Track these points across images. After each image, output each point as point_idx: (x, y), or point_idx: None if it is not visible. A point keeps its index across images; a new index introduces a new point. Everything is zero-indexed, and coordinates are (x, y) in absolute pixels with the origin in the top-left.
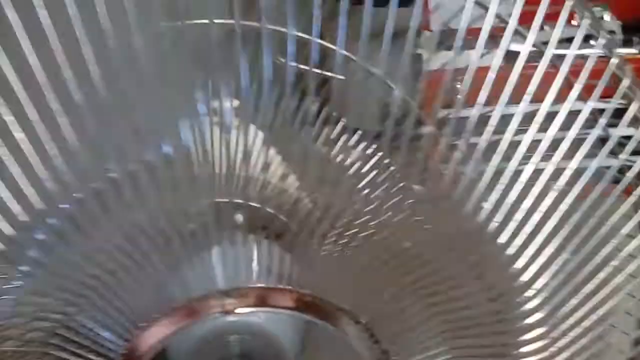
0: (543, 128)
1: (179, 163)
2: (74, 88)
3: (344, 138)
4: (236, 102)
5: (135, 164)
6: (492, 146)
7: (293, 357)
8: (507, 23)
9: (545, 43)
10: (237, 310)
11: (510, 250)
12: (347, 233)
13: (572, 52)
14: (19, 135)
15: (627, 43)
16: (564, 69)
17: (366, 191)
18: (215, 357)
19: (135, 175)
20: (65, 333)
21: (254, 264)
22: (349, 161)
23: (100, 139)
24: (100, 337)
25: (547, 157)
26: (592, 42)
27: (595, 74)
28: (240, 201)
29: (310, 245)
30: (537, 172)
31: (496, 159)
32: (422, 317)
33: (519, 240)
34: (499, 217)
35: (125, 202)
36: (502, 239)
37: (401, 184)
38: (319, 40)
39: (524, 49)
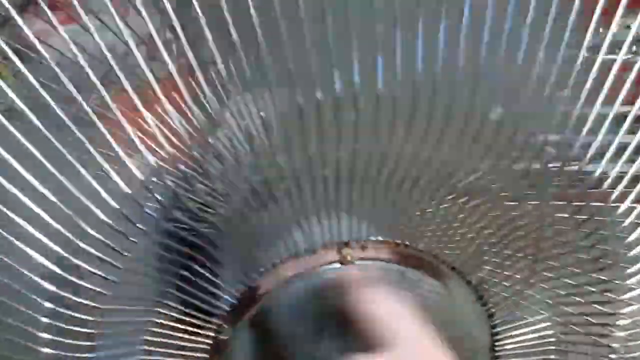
0: None
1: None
2: None
3: None
4: None
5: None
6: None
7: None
8: None
9: None
10: (357, 262)
11: (627, 221)
12: (463, 194)
13: None
14: None
15: None
16: None
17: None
18: (313, 311)
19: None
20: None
21: (372, 219)
22: None
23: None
24: (222, 277)
25: None
26: None
27: None
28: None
29: (424, 203)
30: None
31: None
32: (530, 283)
33: (637, 212)
34: (620, 187)
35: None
36: (621, 209)
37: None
38: None
39: None
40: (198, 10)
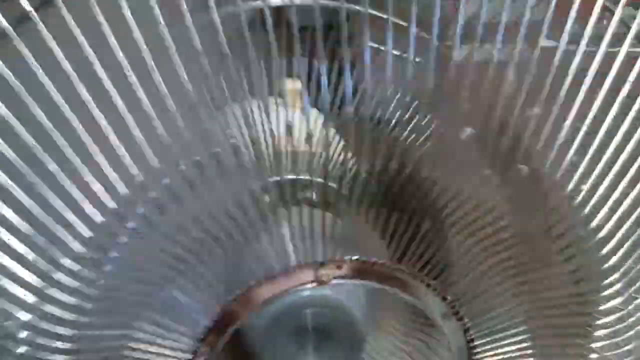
0: None
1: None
2: None
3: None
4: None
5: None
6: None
7: (364, 330)
8: None
9: None
10: (333, 281)
11: (601, 235)
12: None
13: None
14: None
15: None
16: None
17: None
18: (289, 330)
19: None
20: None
21: (341, 237)
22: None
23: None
24: (197, 299)
25: None
26: None
27: None
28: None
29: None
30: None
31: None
32: (507, 297)
33: (610, 225)
34: (593, 201)
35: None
36: (594, 223)
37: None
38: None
39: None
40: None
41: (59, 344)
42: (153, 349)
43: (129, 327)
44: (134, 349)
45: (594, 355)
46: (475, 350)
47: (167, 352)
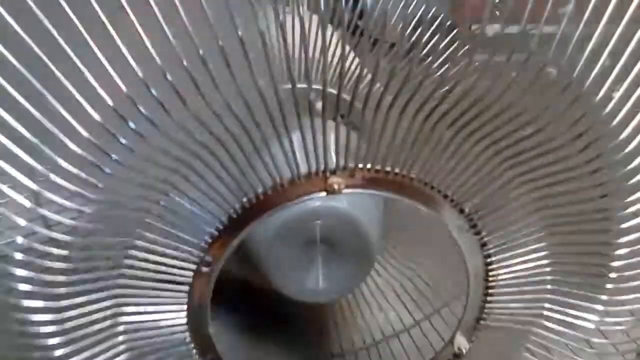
0: None
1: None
2: None
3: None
4: None
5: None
6: None
7: (377, 243)
8: None
9: None
10: (344, 191)
11: (629, 148)
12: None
13: None
14: None
15: None
16: None
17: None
18: (298, 242)
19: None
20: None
21: (354, 147)
22: None
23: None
24: (203, 206)
25: None
26: None
27: None
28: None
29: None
30: None
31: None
32: (527, 211)
33: (639, 138)
34: (623, 112)
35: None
36: (623, 135)
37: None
38: None
39: None
40: None
41: (58, 251)
42: (156, 257)
43: (131, 234)
44: (136, 258)
45: (613, 274)
46: (491, 266)
47: (170, 261)
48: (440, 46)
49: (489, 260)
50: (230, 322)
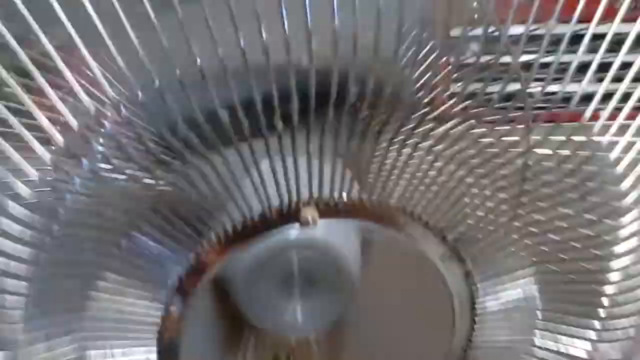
0: None
1: None
2: None
3: None
4: None
5: None
6: None
7: (355, 274)
8: None
9: None
10: (319, 222)
11: (619, 169)
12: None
13: None
14: None
15: None
16: None
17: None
18: (274, 275)
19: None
20: None
21: (333, 176)
22: None
23: None
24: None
25: None
26: None
27: None
28: None
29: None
30: None
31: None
32: (514, 238)
33: (629, 158)
34: (612, 131)
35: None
36: (612, 155)
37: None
38: None
39: None
40: None
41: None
42: (120, 299)
43: (92, 277)
44: (99, 300)
45: (605, 300)
46: (477, 294)
47: (137, 302)
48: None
49: (474, 288)
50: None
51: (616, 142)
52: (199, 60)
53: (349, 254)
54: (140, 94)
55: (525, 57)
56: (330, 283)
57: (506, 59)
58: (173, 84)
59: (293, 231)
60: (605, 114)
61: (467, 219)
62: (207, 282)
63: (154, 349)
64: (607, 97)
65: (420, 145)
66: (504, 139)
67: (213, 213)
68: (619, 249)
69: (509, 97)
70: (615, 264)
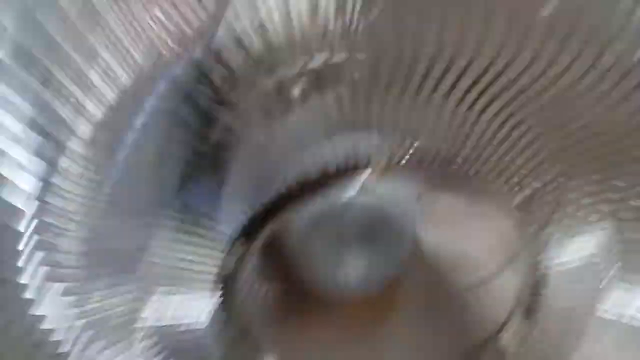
0: None
1: None
2: None
3: None
4: None
5: None
6: None
7: (414, 233)
8: None
9: None
10: (379, 182)
11: None
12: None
13: None
14: None
15: None
16: None
17: None
18: (330, 236)
19: None
20: None
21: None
22: None
23: None
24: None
25: None
26: None
27: None
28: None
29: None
30: None
31: None
32: (587, 205)
33: None
34: None
35: None
36: None
37: None
38: None
39: None
40: None
41: (66, 244)
42: (179, 248)
43: (149, 225)
44: (156, 250)
45: None
46: (545, 253)
47: (197, 248)
48: None
49: (542, 246)
50: (263, 313)
51: None
52: None
53: (408, 213)
54: None
55: None
56: (387, 242)
57: None
58: None
59: (352, 188)
60: None
61: (541, 175)
62: (267, 234)
63: (213, 296)
64: None
65: (495, 101)
66: None
67: (275, 165)
68: None
69: None
70: None
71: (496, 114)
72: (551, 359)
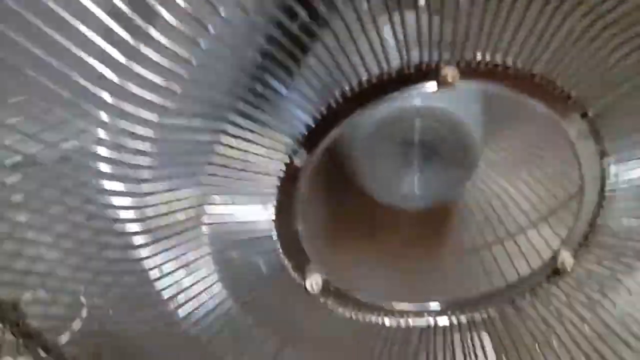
0: None
1: None
2: None
3: None
4: None
5: None
6: None
7: (479, 147)
8: None
9: None
10: (457, 84)
11: None
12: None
13: None
14: None
15: None
16: None
17: None
18: (395, 141)
19: None
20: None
21: (479, 33)
22: None
23: None
24: (300, 93)
25: None
26: None
27: None
28: None
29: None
30: None
31: None
32: None
33: None
34: None
35: None
36: None
37: None
38: None
39: None
40: None
41: (144, 130)
42: (247, 144)
43: (222, 119)
44: (226, 145)
45: None
46: (609, 177)
47: (261, 150)
48: None
49: (607, 170)
50: (321, 222)
51: None
52: None
53: (476, 126)
54: None
55: None
56: (451, 154)
57: None
58: None
59: (423, 96)
60: None
61: (612, 92)
62: (332, 139)
63: (274, 199)
64: None
65: (576, 10)
66: None
67: (349, 61)
68: None
69: None
70: None
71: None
72: (605, 283)
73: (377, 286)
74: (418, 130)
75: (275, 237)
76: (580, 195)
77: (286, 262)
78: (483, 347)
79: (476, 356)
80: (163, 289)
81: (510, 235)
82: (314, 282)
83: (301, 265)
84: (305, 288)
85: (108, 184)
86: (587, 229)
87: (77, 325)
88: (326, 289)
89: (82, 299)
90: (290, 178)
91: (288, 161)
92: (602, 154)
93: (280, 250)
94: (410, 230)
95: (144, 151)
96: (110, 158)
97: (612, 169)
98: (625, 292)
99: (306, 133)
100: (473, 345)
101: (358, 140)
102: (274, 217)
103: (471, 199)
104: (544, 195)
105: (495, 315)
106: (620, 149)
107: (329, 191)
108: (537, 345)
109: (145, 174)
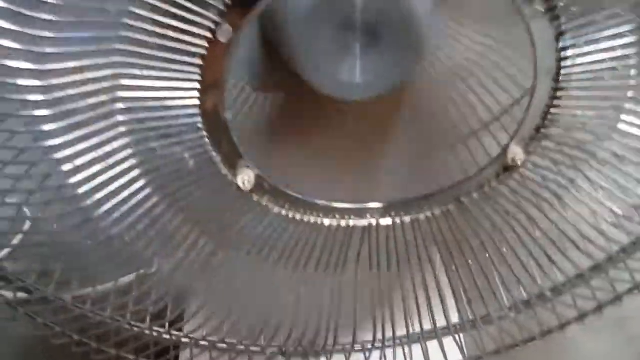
0: None
1: None
2: None
3: None
4: None
5: None
6: None
7: (426, 30)
8: None
9: None
10: None
11: None
12: None
13: None
14: None
15: None
16: None
17: None
18: (334, 23)
19: None
20: None
21: None
22: None
23: None
24: None
25: None
26: None
27: None
28: None
29: None
30: None
31: None
32: None
33: None
34: None
35: None
36: None
37: None
38: None
39: None
40: None
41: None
42: (164, 18)
43: None
44: (140, 17)
45: None
46: (565, 62)
47: (181, 24)
48: None
49: (563, 54)
50: (255, 113)
51: None
52: None
53: (420, 7)
54: None
55: None
56: (396, 38)
57: None
58: None
59: None
60: None
61: None
62: (261, 12)
63: (196, 83)
64: None
65: None
66: None
67: None
68: None
69: None
70: None
71: None
72: (556, 180)
73: (316, 184)
74: (359, 9)
75: (200, 126)
76: (533, 84)
77: (215, 155)
78: (427, 248)
79: (419, 257)
80: (78, 183)
81: (461, 137)
82: (246, 178)
83: (232, 159)
84: (237, 185)
85: (11, 62)
86: (539, 122)
87: None
88: (259, 186)
89: None
90: (213, 57)
91: (211, 37)
92: (559, 36)
93: (208, 142)
94: (354, 125)
95: (47, 20)
96: (11, 30)
97: (568, 53)
98: (575, 191)
99: (231, 4)
100: (417, 245)
101: (292, 18)
102: (198, 103)
103: (420, 95)
104: (496, 92)
105: (440, 215)
106: (578, 30)
107: (264, 79)
108: (484, 246)
109: (48, 48)
